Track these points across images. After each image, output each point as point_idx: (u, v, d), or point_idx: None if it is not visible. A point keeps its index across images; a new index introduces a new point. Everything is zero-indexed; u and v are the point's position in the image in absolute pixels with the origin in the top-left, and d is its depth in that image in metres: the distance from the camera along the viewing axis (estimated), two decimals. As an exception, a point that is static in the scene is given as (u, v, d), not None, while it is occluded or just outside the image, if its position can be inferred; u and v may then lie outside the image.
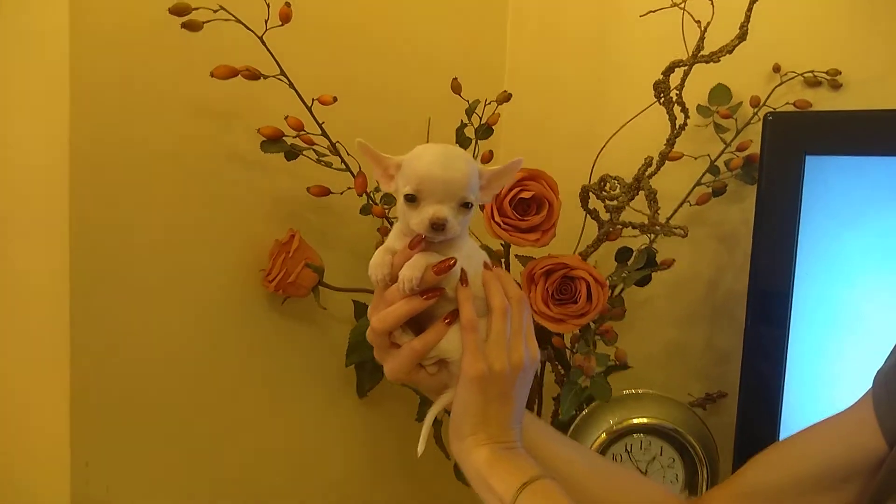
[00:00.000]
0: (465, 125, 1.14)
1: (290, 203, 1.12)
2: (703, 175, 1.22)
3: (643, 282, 1.18)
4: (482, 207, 1.05)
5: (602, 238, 1.16)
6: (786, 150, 1.05)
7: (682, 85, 1.11)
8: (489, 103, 1.13)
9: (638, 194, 1.13)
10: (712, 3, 1.06)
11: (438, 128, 1.17)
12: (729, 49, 1.07)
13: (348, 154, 1.06)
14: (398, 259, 0.75)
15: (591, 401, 1.17)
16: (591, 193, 1.14)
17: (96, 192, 0.94)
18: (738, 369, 1.11)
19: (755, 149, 1.14)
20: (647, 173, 1.12)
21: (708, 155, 1.22)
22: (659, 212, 1.11)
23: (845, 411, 0.85)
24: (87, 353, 0.95)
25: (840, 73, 1.17)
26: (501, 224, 1.02)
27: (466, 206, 0.74)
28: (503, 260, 1.16)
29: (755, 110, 1.20)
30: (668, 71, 1.10)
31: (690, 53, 1.09)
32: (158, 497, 1.04)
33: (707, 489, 1.14)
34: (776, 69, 1.20)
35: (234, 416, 1.11)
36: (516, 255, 1.14)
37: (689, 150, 1.20)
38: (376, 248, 0.78)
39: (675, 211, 1.21)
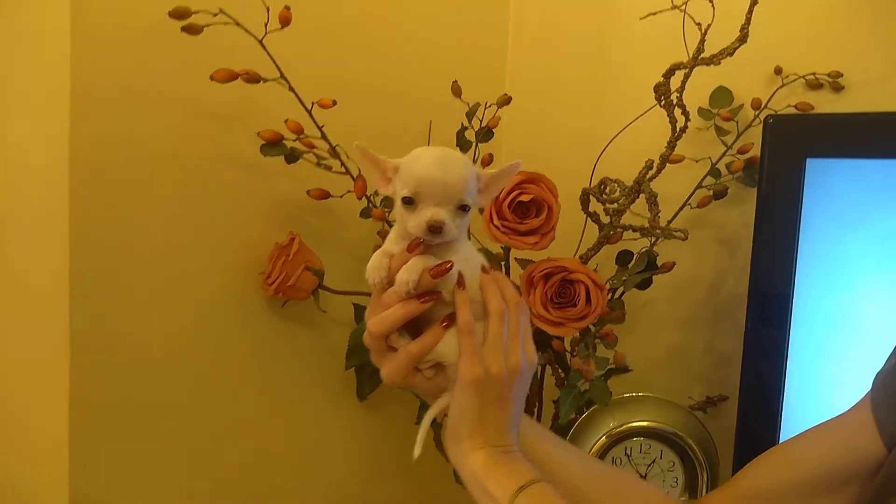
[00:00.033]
0: (466, 128, 1.14)
1: (290, 206, 1.12)
2: (704, 178, 1.22)
3: (644, 285, 1.18)
4: (481, 210, 1.05)
5: (602, 241, 1.16)
6: (786, 153, 1.04)
7: (682, 87, 1.10)
8: (489, 106, 1.13)
9: (638, 197, 1.13)
10: (713, 6, 1.06)
11: (439, 130, 1.17)
12: (729, 51, 1.07)
13: (348, 157, 1.06)
14: (395, 262, 0.75)
15: (591, 404, 1.16)
16: (591, 196, 1.14)
17: (96, 194, 0.94)
18: (738, 372, 1.10)
19: (756, 151, 1.13)
20: (647, 176, 1.12)
21: (709, 158, 1.21)
22: (660, 215, 1.11)
23: (844, 414, 0.85)
24: (87, 354, 0.95)
25: (842, 75, 1.17)
26: (500, 227, 1.02)
27: (464, 208, 0.74)
28: (503, 263, 1.16)
29: (756, 113, 1.20)
30: (669, 73, 1.10)
31: (691, 56, 1.09)
32: (157, 498, 1.04)
33: (707, 492, 1.14)
34: (777, 71, 1.20)
35: (234, 419, 1.12)
36: (516, 259, 1.14)
37: (690, 153, 1.19)
38: (374, 252, 0.78)
39: (676, 214, 1.21)
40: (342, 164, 1.07)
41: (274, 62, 0.98)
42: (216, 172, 1.05)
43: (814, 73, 1.18)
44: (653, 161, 1.12)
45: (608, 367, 1.13)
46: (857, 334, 1.03)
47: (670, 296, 1.32)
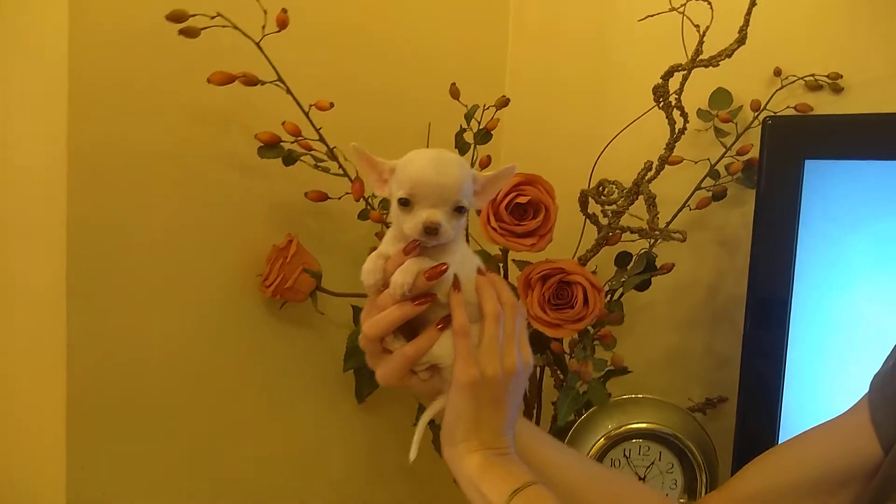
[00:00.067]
0: (465, 130, 1.14)
1: (288, 208, 1.12)
2: (704, 179, 1.21)
3: (642, 286, 1.18)
4: (479, 212, 1.05)
5: (601, 242, 1.16)
6: (785, 155, 1.04)
7: (681, 89, 1.10)
8: (487, 108, 1.13)
9: (637, 199, 1.13)
10: (711, 8, 1.06)
11: (439, 131, 1.17)
12: (728, 53, 1.07)
13: (346, 159, 1.06)
14: (391, 264, 0.75)
15: (590, 406, 1.16)
16: (589, 198, 1.14)
17: (94, 195, 0.94)
18: (738, 374, 1.10)
19: (755, 153, 1.13)
20: (646, 178, 1.12)
21: (708, 159, 1.21)
22: (658, 216, 1.11)
23: (841, 416, 0.85)
24: (84, 356, 0.95)
25: (841, 76, 1.17)
26: (498, 229, 1.02)
27: (460, 210, 0.74)
28: (501, 264, 1.16)
29: (755, 114, 1.19)
30: (668, 75, 1.10)
31: (689, 57, 1.09)
32: (155, 500, 1.04)
33: (705, 494, 1.13)
34: (777, 73, 1.20)
35: (232, 421, 1.12)
36: (514, 260, 1.14)
37: (689, 155, 1.19)
38: (370, 254, 0.78)
39: (675, 215, 1.21)
40: (340, 165, 1.07)
41: (271, 64, 0.98)
42: (214, 174, 1.05)
43: (813, 75, 1.18)
44: (651, 162, 1.12)
45: (606, 368, 1.13)
46: (855, 335, 1.02)
47: (669, 297, 1.31)
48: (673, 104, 1.11)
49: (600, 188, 1.13)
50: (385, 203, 1.09)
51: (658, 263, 1.18)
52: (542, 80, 1.44)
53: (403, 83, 1.26)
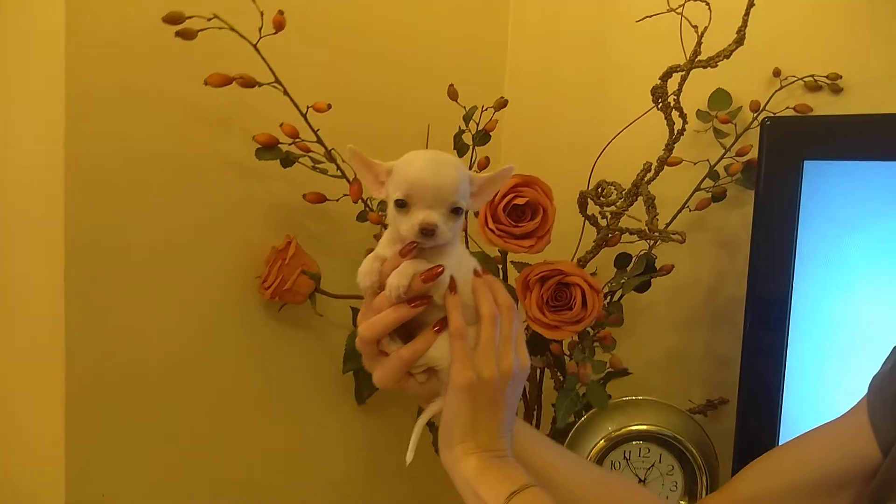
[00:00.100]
0: (463, 132, 1.14)
1: (287, 209, 1.12)
2: (703, 180, 1.21)
3: (642, 288, 1.18)
4: (476, 214, 1.05)
5: (601, 244, 1.15)
6: (784, 156, 1.04)
7: (679, 90, 1.10)
8: (486, 109, 1.13)
9: (637, 200, 1.13)
10: (709, 9, 1.05)
11: (438, 132, 1.16)
12: (726, 54, 1.07)
13: (344, 161, 1.06)
14: (387, 266, 0.75)
15: (590, 407, 1.16)
16: (588, 199, 1.14)
17: (92, 196, 0.94)
18: (738, 375, 1.10)
19: (755, 154, 1.13)
20: (645, 179, 1.12)
21: (707, 160, 1.21)
22: (658, 217, 1.11)
23: (841, 418, 0.85)
24: (83, 357, 0.95)
25: (840, 76, 1.17)
26: (496, 230, 1.02)
27: (456, 211, 0.74)
28: (500, 266, 1.16)
29: (755, 115, 1.19)
30: (666, 76, 1.10)
31: (688, 58, 1.09)
32: (155, 502, 1.04)
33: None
34: (776, 73, 1.20)
35: (231, 423, 1.11)
36: (512, 262, 1.14)
37: (688, 156, 1.19)
38: (366, 256, 0.77)
39: (675, 216, 1.21)
40: (338, 167, 1.07)
41: (269, 66, 0.98)
42: (212, 175, 1.05)
43: (812, 75, 1.17)
44: (651, 163, 1.12)
45: (606, 370, 1.13)
46: (855, 336, 1.02)
47: (669, 299, 1.31)
48: (672, 105, 1.10)
49: (599, 189, 1.13)
50: (383, 205, 1.08)
51: (658, 265, 1.18)
52: (542, 81, 1.44)
53: (402, 84, 1.26)
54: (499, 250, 1.13)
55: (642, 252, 1.18)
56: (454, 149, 1.14)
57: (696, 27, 1.07)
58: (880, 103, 1.14)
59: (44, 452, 0.99)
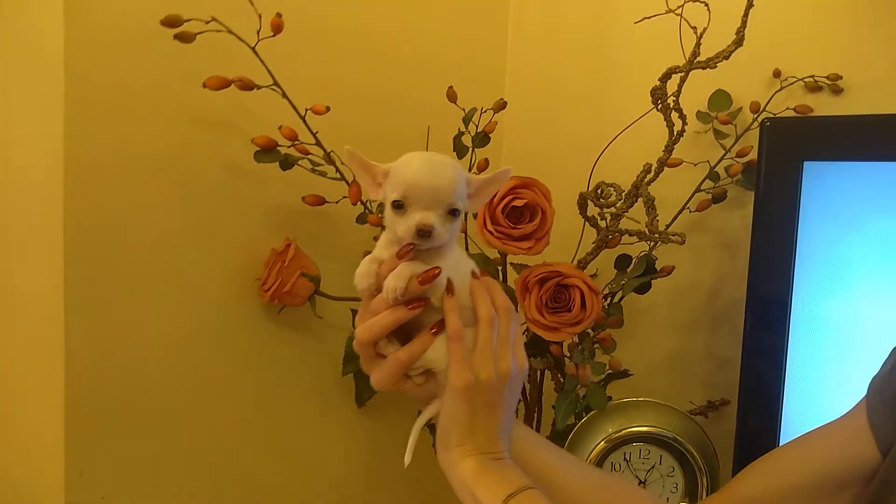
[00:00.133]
0: (463, 133, 1.14)
1: (287, 212, 1.12)
2: (703, 181, 1.21)
3: (642, 289, 1.18)
4: (475, 215, 1.05)
5: (601, 245, 1.15)
6: (783, 156, 1.04)
7: (678, 91, 1.10)
8: (485, 111, 1.13)
9: (637, 201, 1.13)
10: (708, 10, 1.05)
11: (438, 133, 1.16)
12: (725, 55, 1.07)
13: (343, 163, 1.06)
14: (384, 268, 0.75)
15: (590, 409, 1.16)
16: (588, 200, 1.14)
17: (91, 198, 0.94)
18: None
19: (755, 155, 1.12)
20: (645, 180, 1.12)
21: (707, 161, 1.21)
22: (658, 219, 1.11)
23: (840, 419, 0.85)
24: (82, 358, 0.95)
25: (841, 77, 1.16)
26: (494, 232, 1.02)
27: (453, 213, 0.74)
28: (500, 268, 1.16)
29: (755, 116, 1.19)
30: (665, 77, 1.10)
31: (687, 59, 1.08)
32: (155, 502, 1.04)
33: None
34: (776, 74, 1.20)
35: (231, 425, 1.12)
36: (511, 264, 1.14)
37: (689, 157, 1.19)
38: (363, 258, 0.77)
39: (675, 218, 1.20)
40: (337, 169, 1.07)
41: (267, 69, 0.98)
42: (212, 176, 1.05)
43: (813, 76, 1.17)
44: (651, 165, 1.12)
45: (605, 372, 1.13)
46: (855, 336, 1.02)
47: (670, 300, 1.31)
48: (671, 106, 1.10)
49: (598, 191, 1.13)
50: (382, 207, 1.08)
51: (658, 266, 1.17)
52: (542, 81, 1.44)
53: (402, 85, 1.26)
54: (498, 252, 1.13)
55: (642, 253, 1.18)
56: (454, 150, 1.14)
57: (694, 28, 1.07)
58: (881, 104, 1.13)
59: (43, 452, 0.99)
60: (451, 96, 1.12)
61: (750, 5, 1.05)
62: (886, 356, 0.83)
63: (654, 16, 1.08)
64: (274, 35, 0.96)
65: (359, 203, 1.08)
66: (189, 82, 0.97)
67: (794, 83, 1.19)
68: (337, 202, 1.09)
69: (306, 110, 1.02)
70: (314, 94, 1.03)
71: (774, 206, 1.05)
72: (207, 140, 1.03)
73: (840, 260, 1.02)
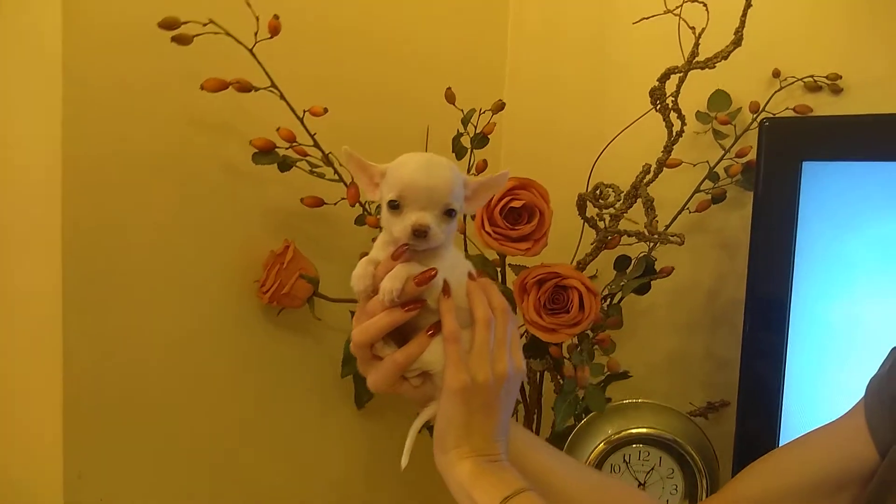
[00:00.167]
0: (462, 135, 1.14)
1: (285, 213, 1.12)
2: (703, 182, 1.21)
3: (642, 290, 1.17)
4: (473, 217, 1.05)
5: (600, 246, 1.15)
6: (782, 156, 1.04)
7: (677, 92, 1.10)
8: (483, 112, 1.13)
9: (636, 202, 1.13)
10: (707, 10, 1.05)
11: (438, 134, 1.16)
12: (724, 55, 1.07)
13: (341, 165, 1.06)
14: (380, 270, 0.74)
15: (590, 411, 1.16)
16: (587, 201, 1.14)
17: (89, 199, 0.94)
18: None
19: (755, 155, 1.12)
20: (644, 181, 1.11)
21: (707, 161, 1.21)
22: (657, 219, 1.10)
23: (839, 420, 0.85)
24: (81, 359, 0.95)
25: (840, 77, 1.16)
26: (492, 233, 1.02)
27: (450, 213, 0.74)
28: (499, 269, 1.15)
29: (754, 116, 1.19)
30: (664, 78, 1.09)
31: (686, 60, 1.08)
32: (154, 502, 1.04)
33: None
34: (776, 74, 1.19)
35: (230, 428, 1.12)
36: (510, 265, 1.13)
37: (688, 157, 1.19)
38: (360, 259, 0.77)
39: (675, 218, 1.20)
40: (335, 171, 1.06)
41: (265, 71, 0.98)
42: (211, 177, 1.05)
43: (812, 76, 1.17)
44: (650, 165, 1.12)
45: (603, 373, 1.12)
46: (855, 337, 1.02)
47: (670, 301, 1.31)
48: (670, 107, 1.10)
49: (597, 191, 1.13)
50: (381, 208, 1.08)
51: (658, 267, 1.17)
52: (542, 82, 1.44)
53: (401, 85, 1.26)
54: (497, 253, 1.13)
55: (642, 254, 1.18)
56: (452, 151, 1.14)
57: (693, 28, 1.07)
58: (881, 104, 1.13)
59: (43, 453, 0.99)
60: (450, 97, 1.12)
61: (748, 5, 1.05)
62: (885, 357, 0.83)
63: (652, 16, 1.08)
64: (271, 37, 0.95)
65: (357, 205, 1.08)
66: (187, 83, 0.97)
67: (793, 83, 1.18)
68: (335, 204, 1.08)
69: (304, 112, 1.02)
70: (312, 95, 1.03)
71: (773, 206, 1.05)
72: (206, 141, 1.03)
73: (839, 260, 1.02)
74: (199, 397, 1.07)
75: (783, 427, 1.05)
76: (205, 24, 0.92)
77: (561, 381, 1.18)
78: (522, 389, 1.23)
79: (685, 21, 1.07)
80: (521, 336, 1.09)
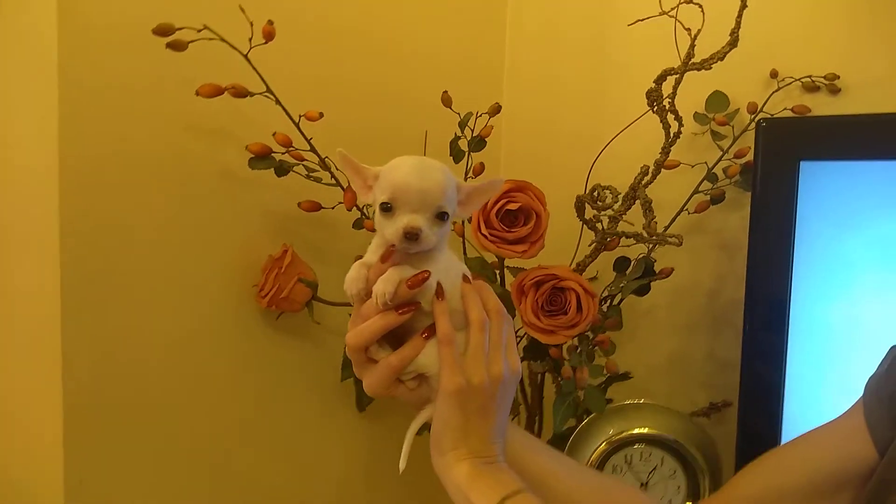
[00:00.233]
0: (460, 138, 1.14)
1: (283, 217, 1.12)
2: (701, 183, 1.21)
3: (641, 291, 1.17)
4: (469, 220, 1.05)
5: (599, 248, 1.15)
6: (780, 157, 1.03)
7: (674, 93, 1.10)
8: (480, 115, 1.13)
9: (635, 203, 1.13)
10: (702, 11, 1.05)
11: (436, 136, 1.16)
12: (720, 56, 1.07)
13: (338, 169, 1.06)
14: (373, 273, 0.74)
15: (590, 412, 1.15)
16: (585, 203, 1.13)
17: (86, 200, 0.94)
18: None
19: (753, 155, 1.12)
20: (642, 182, 1.11)
21: (705, 162, 1.20)
22: (656, 220, 1.10)
23: (838, 419, 0.85)
24: (80, 360, 0.95)
25: (838, 77, 1.16)
26: (488, 236, 1.02)
27: (442, 216, 0.74)
28: (497, 272, 1.15)
29: (752, 117, 1.19)
30: (661, 79, 1.09)
31: (682, 61, 1.08)
32: (154, 503, 1.05)
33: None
34: (773, 75, 1.19)
35: (230, 430, 1.12)
36: (508, 267, 1.13)
37: (687, 158, 1.19)
38: (354, 263, 0.77)
39: (674, 219, 1.20)
40: (332, 175, 1.07)
41: (260, 77, 0.98)
42: (208, 181, 1.05)
43: (810, 76, 1.17)
44: (648, 167, 1.12)
45: (603, 374, 1.12)
46: (854, 336, 1.02)
47: (670, 302, 1.31)
48: (667, 108, 1.10)
49: (594, 193, 1.13)
50: (376, 211, 1.09)
51: (657, 268, 1.17)
52: (541, 82, 1.44)
53: (399, 87, 1.26)
54: (496, 256, 1.13)
55: (641, 255, 1.18)
56: (450, 154, 1.14)
57: (688, 29, 1.07)
58: (879, 104, 1.13)
59: (43, 453, 0.99)
60: (446, 101, 1.12)
61: (743, 6, 1.05)
62: (884, 356, 0.83)
63: (647, 18, 1.07)
64: (266, 42, 0.96)
65: (355, 208, 1.08)
66: (183, 87, 0.97)
67: (791, 83, 1.18)
68: (333, 208, 1.09)
69: (300, 116, 1.02)
70: (309, 98, 1.03)
71: (771, 206, 1.04)
72: (203, 144, 1.03)
73: (838, 259, 1.02)
74: (200, 401, 1.08)
75: (785, 426, 1.05)
76: (199, 31, 0.92)
77: (560, 383, 1.18)
78: (524, 391, 1.23)
79: (680, 23, 1.07)
80: (521, 338, 1.09)
